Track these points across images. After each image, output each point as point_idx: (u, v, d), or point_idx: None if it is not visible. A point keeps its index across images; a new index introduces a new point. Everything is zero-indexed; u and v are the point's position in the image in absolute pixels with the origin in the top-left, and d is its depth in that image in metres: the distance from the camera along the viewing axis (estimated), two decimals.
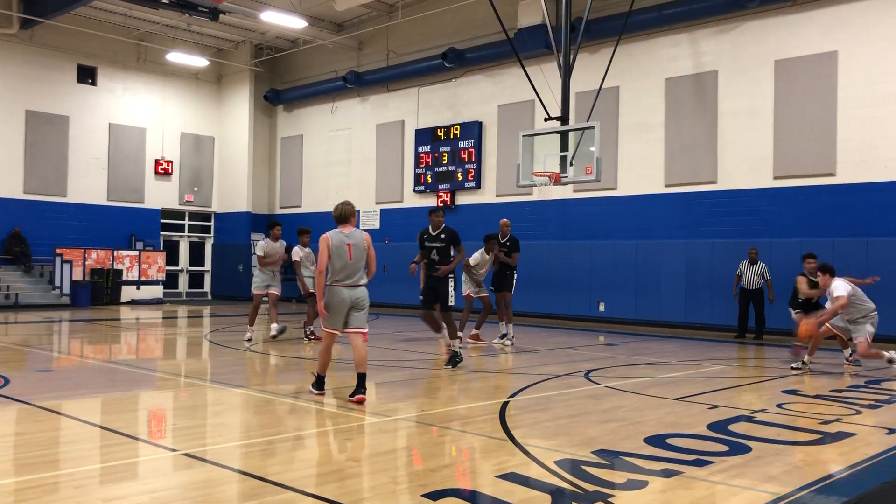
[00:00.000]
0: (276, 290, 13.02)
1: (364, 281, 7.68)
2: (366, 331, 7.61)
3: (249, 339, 12.70)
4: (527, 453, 5.45)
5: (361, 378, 7.39)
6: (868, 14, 14.58)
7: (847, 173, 14.72)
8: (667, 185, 17.20)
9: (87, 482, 4.68)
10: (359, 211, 23.79)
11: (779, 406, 7.57)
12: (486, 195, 20.64)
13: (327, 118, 25.19)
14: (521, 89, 18.78)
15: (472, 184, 20.80)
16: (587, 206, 18.36)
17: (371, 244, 7.74)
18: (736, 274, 14.92)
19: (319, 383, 7.73)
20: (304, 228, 13.41)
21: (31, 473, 4.81)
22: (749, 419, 6.91)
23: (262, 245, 13.02)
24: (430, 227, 10.18)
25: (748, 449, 5.68)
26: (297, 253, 13.06)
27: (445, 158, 21.43)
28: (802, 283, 11.53)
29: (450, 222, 21.24)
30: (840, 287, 10.23)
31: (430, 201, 21.90)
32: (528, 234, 19.41)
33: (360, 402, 7.27)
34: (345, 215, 7.72)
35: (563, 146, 14.39)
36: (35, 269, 22.40)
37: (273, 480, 4.66)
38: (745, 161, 16.01)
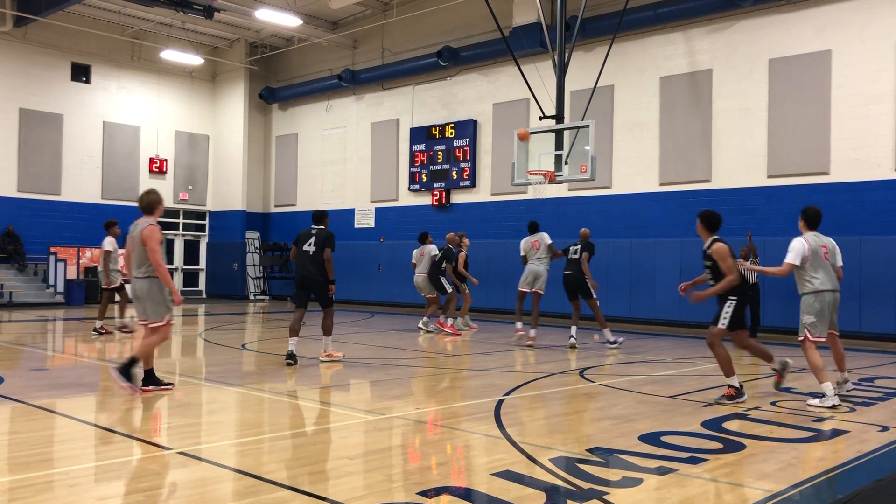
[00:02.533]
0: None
1: (139, 274, 7.53)
2: (150, 324, 7.57)
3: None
4: (522, 451, 5.46)
5: (130, 360, 7.49)
6: (862, 13, 14.62)
7: (841, 172, 14.77)
8: (661, 184, 17.22)
9: (81, 481, 4.67)
10: (353, 209, 23.81)
11: (773, 404, 7.60)
12: (481, 194, 20.64)
13: (322, 116, 25.16)
14: (516, 88, 18.80)
15: (467, 182, 20.80)
16: (582, 205, 18.37)
17: (149, 239, 7.43)
18: None
19: (139, 374, 7.62)
20: (112, 221, 13.96)
21: (25, 472, 4.80)
22: (743, 417, 6.93)
23: (112, 241, 13.51)
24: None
25: (742, 446, 5.70)
26: (112, 244, 13.54)
27: (440, 157, 21.42)
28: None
29: (445, 221, 21.44)
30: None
31: (426, 200, 21.90)
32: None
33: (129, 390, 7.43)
34: (145, 206, 7.77)
35: (558, 145, 14.42)
36: (29, 268, 22.32)
37: (268, 479, 4.67)
38: (740, 160, 16.05)
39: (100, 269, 13.73)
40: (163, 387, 7.74)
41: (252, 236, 26.60)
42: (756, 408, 7.39)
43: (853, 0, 14.73)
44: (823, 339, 7.68)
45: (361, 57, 23.75)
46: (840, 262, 8.15)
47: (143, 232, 7.47)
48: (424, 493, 4.40)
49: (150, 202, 7.76)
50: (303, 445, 5.74)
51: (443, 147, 21.38)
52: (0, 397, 7.28)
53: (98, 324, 13.37)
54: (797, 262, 7.72)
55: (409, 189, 22.23)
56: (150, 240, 7.43)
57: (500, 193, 19.98)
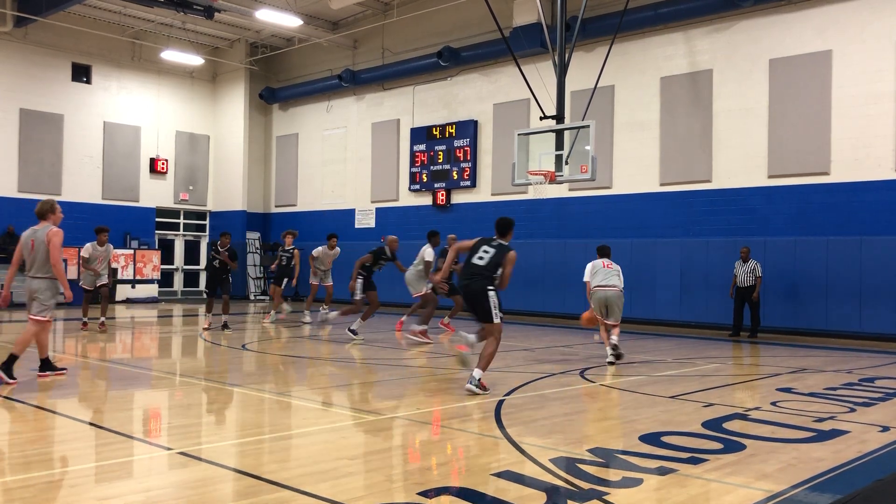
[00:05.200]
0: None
1: (40, 273, 8.58)
2: (37, 318, 8.48)
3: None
4: (522, 451, 5.46)
5: (10, 357, 8.14)
6: (862, 13, 14.62)
7: (841, 172, 14.76)
8: (662, 184, 17.22)
9: (81, 481, 4.67)
10: (354, 210, 23.80)
11: (773, 404, 7.59)
12: (482, 194, 20.65)
13: (322, 117, 25.16)
14: (516, 88, 18.79)
15: (468, 182, 20.80)
16: (582, 205, 18.38)
17: (53, 239, 8.47)
18: (733, 274, 14.95)
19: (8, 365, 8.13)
20: (102, 227, 14.71)
21: (25, 472, 4.80)
22: (743, 417, 6.93)
23: (88, 248, 14.47)
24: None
25: (742, 447, 5.70)
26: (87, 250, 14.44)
27: (441, 157, 21.42)
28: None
29: (445, 221, 21.47)
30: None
31: (426, 200, 21.90)
32: (523, 232, 19.44)
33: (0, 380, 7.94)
34: (40, 212, 8.83)
35: (559, 145, 14.42)
36: None
37: (268, 479, 4.67)
38: (740, 160, 16.04)
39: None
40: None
41: (252, 236, 26.60)
42: (756, 408, 7.39)
43: (854, 0, 14.73)
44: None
45: (362, 57, 23.75)
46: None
47: (50, 234, 8.63)
48: (424, 494, 4.40)
49: (37, 210, 8.92)
50: (303, 445, 5.74)
51: (443, 147, 21.38)
52: (1, 397, 7.28)
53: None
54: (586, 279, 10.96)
55: (410, 189, 22.23)
56: (51, 241, 8.49)
57: (501, 193, 19.98)
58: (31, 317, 8.49)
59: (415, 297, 13.71)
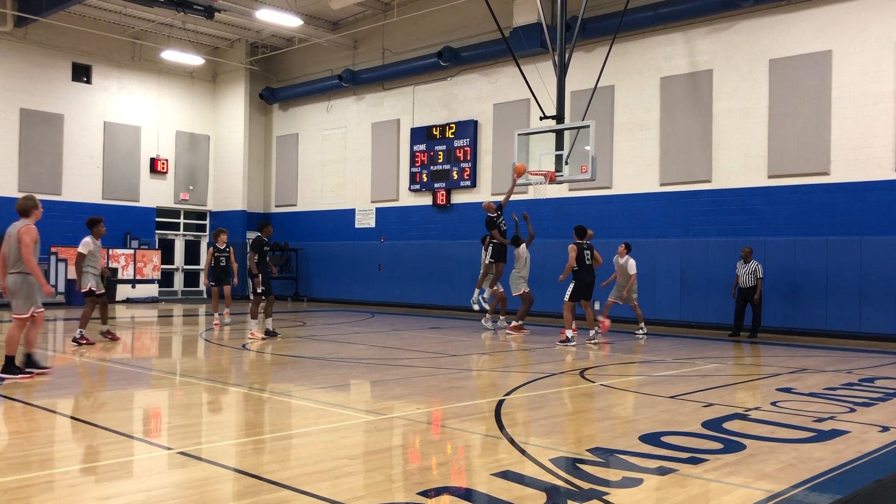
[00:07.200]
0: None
1: (14, 270, 8.23)
2: (17, 316, 8.27)
3: None
4: (522, 451, 5.46)
5: (6, 359, 8.28)
6: (862, 13, 14.62)
7: (841, 172, 14.76)
8: (662, 184, 17.23)
9: (81, 481, 4.68)
10: (354, 209, 23.79)
11: (773, 404, 7.59)
12: (482, 194, 20.64)
13: (323, 117, 25.17)
14: (516, 88, 18.80)
15: (468, 182, 20.80)
16: (582, 205, 18.37)
17: (24, 237, 8.12)
18: (735, 275, 14.94)
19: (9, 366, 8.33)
20: (96, 218, 12.19)
21: (25, 472, 4.80)
22: (743, 417, 6.93)
23: (87, 242, 11.88)
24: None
25: (742, 447, 5.70)
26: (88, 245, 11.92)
27: (441, 157, 21.43)
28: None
29: (445, 221, 21.47)
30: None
31: (426, 200, 21.90)
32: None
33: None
34: (22, 209, 8.40)
35: (559, 145, 14.44)
36: None
37: (268, 479, 4.67)
38: (740, 160, 16.05)
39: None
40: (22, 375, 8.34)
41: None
42: (756, 408, 7.39)
43: (853, 0, 14.73)
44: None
45: (362, 57, 23.76)
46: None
47: (21, 230, 8.19)
48: (424, 493, 4.41)
49: (17, 206, 8.43)
50: (303, 445, 5.74)
51: (443, 147, 21.38)
52: (1, 397, 7.28)
53: (104, 328, 12.61)
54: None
55: (410, 189, 22.24)
56: (23, 237, 8.16)
57: (501, 193, 19.89)
58: (12, 315, 8.40)
59: (514, 295, 15.07)
